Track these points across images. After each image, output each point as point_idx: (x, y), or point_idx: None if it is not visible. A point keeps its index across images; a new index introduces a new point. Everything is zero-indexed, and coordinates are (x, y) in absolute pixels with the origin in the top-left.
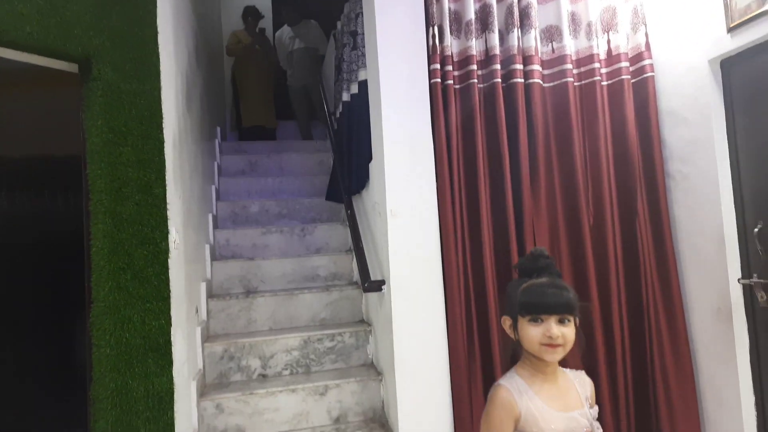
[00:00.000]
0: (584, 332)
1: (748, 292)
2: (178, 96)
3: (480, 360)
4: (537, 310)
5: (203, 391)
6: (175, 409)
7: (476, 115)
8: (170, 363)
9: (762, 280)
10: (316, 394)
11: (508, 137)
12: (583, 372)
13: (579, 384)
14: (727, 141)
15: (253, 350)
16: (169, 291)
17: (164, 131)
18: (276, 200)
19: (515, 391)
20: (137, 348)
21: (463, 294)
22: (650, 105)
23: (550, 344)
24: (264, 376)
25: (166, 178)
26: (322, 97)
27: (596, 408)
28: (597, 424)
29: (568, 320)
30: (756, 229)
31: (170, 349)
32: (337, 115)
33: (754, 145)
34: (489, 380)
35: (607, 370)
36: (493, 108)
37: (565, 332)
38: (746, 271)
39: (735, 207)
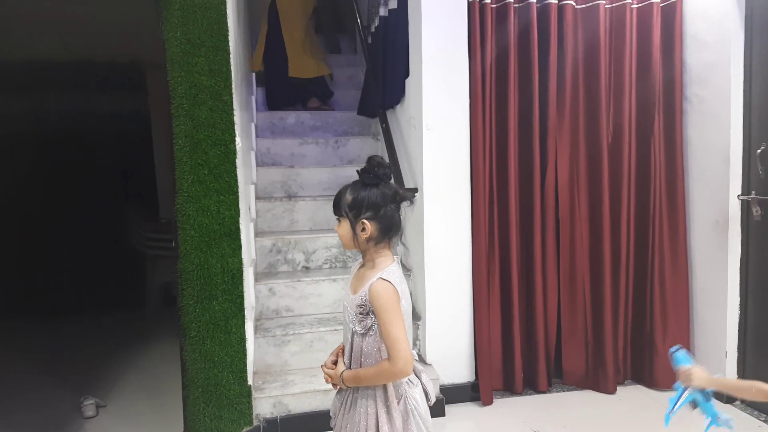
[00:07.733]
0: (594, 230)
1: (746, 208)
2: (235, 8)
3: (498, 257)
4: None
5: (257, 278)
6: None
7: (510, 35)
8: (239, 247)
9: (759, 197)
10: None
11: (539, 57)
12: (386, 271)
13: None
14: (743, 64)
15: (298, 246)
16: (238, 186)
17: (229, 43)
18: (310, 113)
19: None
20: (214, 232)
21: (488, 201)
22: (676, 29)
23: None
24: (307, 268)
25: (232, 86)
26: (355, 10)
27: (363, 294)
28: (364, 319)
29: (339, 220)
30: (759, 150)
31: (239, 235)
32: (373, 29)
33: (767, 69)
34: (506, 274)
35: (612, 268)
36: (527, 28)
37: (338, 231)
38: (746, 188)
39: (743, 128)
